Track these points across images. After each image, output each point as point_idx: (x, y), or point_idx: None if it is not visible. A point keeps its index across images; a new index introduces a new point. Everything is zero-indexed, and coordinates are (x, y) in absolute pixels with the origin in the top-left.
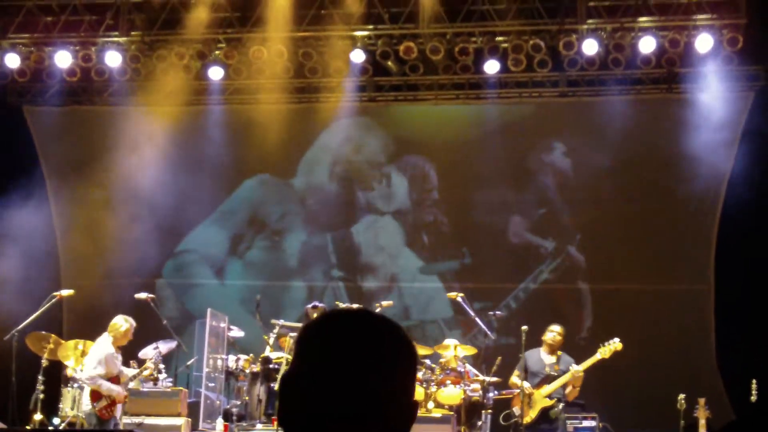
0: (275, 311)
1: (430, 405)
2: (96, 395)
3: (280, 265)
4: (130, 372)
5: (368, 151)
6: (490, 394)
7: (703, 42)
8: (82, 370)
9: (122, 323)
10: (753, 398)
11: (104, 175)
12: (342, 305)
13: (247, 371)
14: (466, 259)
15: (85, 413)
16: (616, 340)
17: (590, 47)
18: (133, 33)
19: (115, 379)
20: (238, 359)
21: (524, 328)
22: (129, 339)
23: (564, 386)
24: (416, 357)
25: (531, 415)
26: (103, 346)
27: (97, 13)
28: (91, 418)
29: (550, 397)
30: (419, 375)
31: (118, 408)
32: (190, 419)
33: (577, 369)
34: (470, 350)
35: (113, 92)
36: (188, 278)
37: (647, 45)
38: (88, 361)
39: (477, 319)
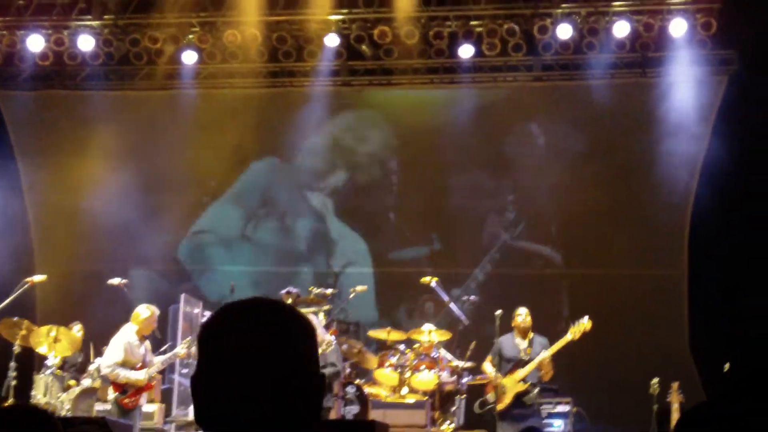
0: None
1: (405, 390)
2: (118, 386)
3: (289, 249)
4: (159, 359)
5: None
6: (464, 380)
7: (677, 26)
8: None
9: (143, 311)
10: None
11: (77, 160)
12: (315, 290)
13: None
14: (435, 244)
15: (109, 403)
16: (585, 319)
17: (564, 31)
18: (105, 17)
19: (139, 369)
20: None
21: (498, 313)
22: (153, 327)
23: (537, 369)
24: (310, 330)
25: (505, 401)
26: (124, 335)
27: None
28: (114, 409)
29: (524, 380)
30: (393, 360)
31: (143, 397)
32: (163, 405)
33: (545, 356)
34: (445, 335)
35: (86, 76)
36: (203, 262)
37: (621, 29)
38: (107, 350)
39: (451, 305)
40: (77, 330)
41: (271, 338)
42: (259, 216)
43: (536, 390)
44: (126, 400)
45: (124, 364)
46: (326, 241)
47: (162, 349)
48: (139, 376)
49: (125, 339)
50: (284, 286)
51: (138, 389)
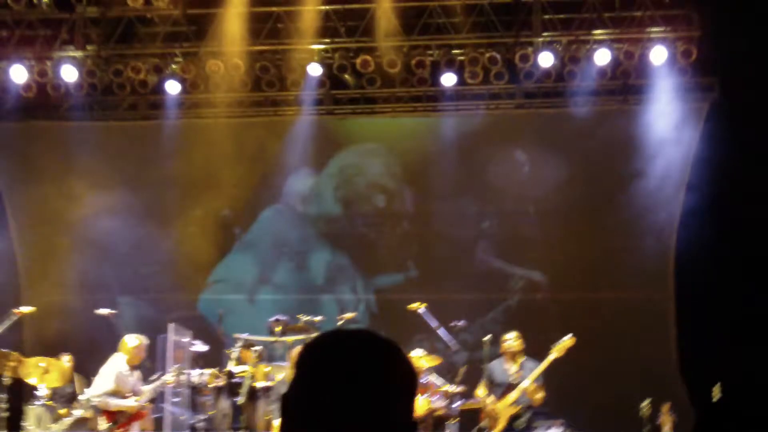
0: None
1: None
2: (110, 415)
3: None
4: (148, 387)
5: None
6: (455, 405)
7: (657, 54)
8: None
9: (132, 341)
10: (715, 391)
11: (63, 190)
12: (304, 318)
13: (212, 385)
14: (411, 271)
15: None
16: (568, 336)
17: (546, 60)
18: (88, 47)
19: (128, 397)
20: (202, 373)
21: (486, 338)
22: (142, 356)
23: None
24: (415, 379)
25: (499, 427)
26: (114, 364)
27: (52, 28)
28: None
29: (517, 402)
30: None
31: (135, 426)
32: None
33: (526, 384)
34: (434, 360)
35: (70, 107)
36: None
37: (602, 57)
38: (96, 380)
39: (439, 331)
40: (66, 361)
41: (374, 378)
42: (273, 260)
43: (528, 413)
44: (118, 430)
45: (115, 393)
46: (342, 268)
47: (151, 378)
48: (130, 403)
49: (116, 368)
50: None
51: (129, 418)
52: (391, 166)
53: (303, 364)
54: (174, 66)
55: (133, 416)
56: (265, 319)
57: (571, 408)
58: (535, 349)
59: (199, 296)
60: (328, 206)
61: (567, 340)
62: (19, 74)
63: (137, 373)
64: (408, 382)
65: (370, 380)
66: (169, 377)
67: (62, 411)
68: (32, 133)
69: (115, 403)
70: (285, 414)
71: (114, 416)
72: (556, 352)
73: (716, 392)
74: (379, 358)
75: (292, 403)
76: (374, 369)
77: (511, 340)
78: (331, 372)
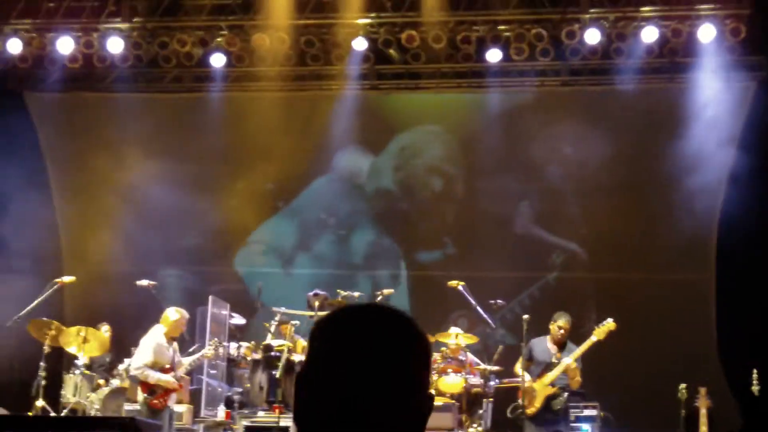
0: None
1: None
2: (146, 386)
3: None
4: (187, 360)
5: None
6: (491, 383)
7: (706, 32)
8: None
9: (172, 314)
10: (754, 388)
11: (106, 162)
12: (343, 293)
13: (249, 359)
14: (449, 248)
15: (138, 404)
16: (610, 320)
17: (592, 36)
18: (135, 19)
19: (168, 370)
20: (239, 346)
21: (525, 317)
22: (182, 329)
23: (566, 375)
24: (429, 350)
25: (536, 405)
26: (153, 336)
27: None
28: (143, 409)
29: (553, 384)
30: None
31: (172, 397)
32: (192, 406)
33: (568, 361)
34: (472, 339)
35: (115, 79)
36: (257, 267)
37: (649, 35)
38: (137, 352)
39: (478, 308)
40: (105, 330)
41: (390, 353)
42: (317, 230)
43: (565, 394)
44: (155, 401)
45: (154, 365)
46: (384, 248)
47: (190, 350)
48: (168, 378)
49: (155, 340)
50: (344, 288)
51: (166, 390)
52: (451, 150)
53: (316, 341)
54: (219, 39)
55: (170, 388)
56: (300, 291)
57: (608, 391)
58: (574, 328)
59: (236, 253)
60: (386, 184)
61: (609, 324)
62: (65, 45)
63: (175, 345)
64: (422, 353)
65: (384, 353)
66: (207, 351)
67: (100, 380)
68: (77, 104)
69: (154, 376)
70: (300, 391)
71: (151, 387)
72: (597, 335)
73: (755, 381)
74: (392, 330)
75: (306, 380)
76: (388, 342)
77: (563, 327)
78: (344, 347)
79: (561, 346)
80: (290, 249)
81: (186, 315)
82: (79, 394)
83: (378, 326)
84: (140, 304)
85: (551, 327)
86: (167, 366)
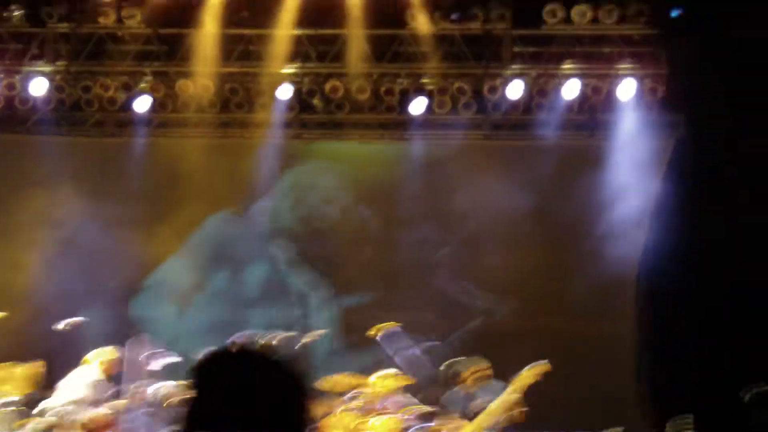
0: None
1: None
2: (82, 424)
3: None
4: (119, 403)
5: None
6: (426, 425)
7: (625, 90)
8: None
9: (108, 354)
10: None
11: (27, 205)
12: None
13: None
14: (379, 293)
15: None
16: (543, 363)
17: (514, 91)
18: (58, 63)
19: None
20: (162, 386)
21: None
22: (117, 370)
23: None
24: (303, 385)
25: None
26: (87, 373)
27: (22, 42)
28: None
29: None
30: (358, 403)
31: None
32: None
33: (512, 394)
34: (406, 380)
35: (37, 121)
36: (152, 311)
37: (570, 91)
38: (67, 387)
39: (410, 350)
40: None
41: (263, 390)
42: (211, 269)
43: None
44: None
45: (87, 404)
46: (284, 289)
47: (109, 393)
48: (104, 411)
49: (90, 377)
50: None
51: (102, 426)
52: (343, 181)
53: (194, 383)
54: (143, 84)
55: (106, 425)
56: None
57: None
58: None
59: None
60: (285, 223)
61: (541, 366)
62: None
63: (108, 384)
64: (295, 390)
65: (261, 394)
66: (132, 394)
67: (24, 420)
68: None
69: (90, 412)
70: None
71: (86, 425)
72: (528, 377)
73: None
74: (265, 372)
75: (188, 421)
76: (262, 382)
77: (482, 372)
78: (222, 388)
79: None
80: (186, 290)
81: (119, 354)
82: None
83: (251, 367)
84: (58, 346)
85: (464, 376)
86: (100, 404)
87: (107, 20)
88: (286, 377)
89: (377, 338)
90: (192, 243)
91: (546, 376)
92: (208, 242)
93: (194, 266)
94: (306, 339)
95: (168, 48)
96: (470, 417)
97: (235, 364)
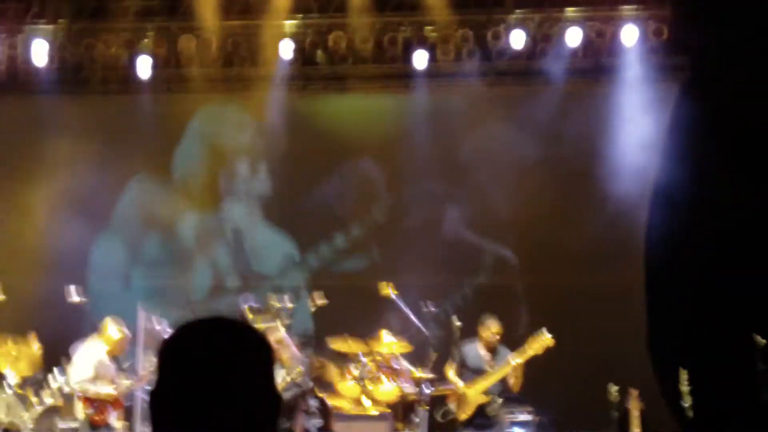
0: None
1: (367, 403)
2: (87, 401)
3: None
4: (126, 383)
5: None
6: (426, 390)
7: (629, 33)
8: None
9: (115, 333)
10: (684, 388)
11: (32, 165)
12: (277, 304)
13: None
14: (377, 256)
15: (78, 421)
16: (545, 332)
17: (518, 38)
18: (59, 21)
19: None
20: None
21: (457, 323)
22: (125, 349)
23: (503, 380)
24: (271, 354)
25: (467, 412)
26: (93, 352)
27: (24, 1)
28: (84, 426)
29: (487, 392)
30: (354, 372)
31: (113, 414)
32: (127, 423)
33: (515, 362)
34: (404, 346)
35: (40, 81)
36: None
37: (574, 36)
38: (73, 365)
39: (411, 315)
40: (36, 348)
41: (231, 359)
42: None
43: (499, 401)
44: (96, 417)
45: (94, 381)
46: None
47: (123, 367)
48: (109, 389)
49: (96, 357)
50: None
51: (107, 404)
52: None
53: (164, 358)
54: (146, 41)
55: (112, 403)
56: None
57: (541, 395)
58: (505, 332)
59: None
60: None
61: (546, 339)
62: None
63: (115, 363)
64: (264, 359)
65: (230, 363)
66: (144, 372)
67: (34, 399)
68: (1, 107)
69: (95, 390)
70: (153, 412)
71: (93, 403)
72: (535, 349)
73: (685, 382)
74: (234, 342)
75: (157, 400)
76: (232, 353)
77: (494, 332)
78: (191, 361)
79: (493, 351)
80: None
81: (129, 334)
82: (12, 413)
83: (218, 336)
84: (71, 318)
85: (483, 332)
86: (107, 382)
87: None
88: (257, 349)
89: (389, 296)
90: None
91: (557, 331)
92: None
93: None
94: (312, 307)
95: (169, 4)
96: (471, 378)
97: (204, 339)
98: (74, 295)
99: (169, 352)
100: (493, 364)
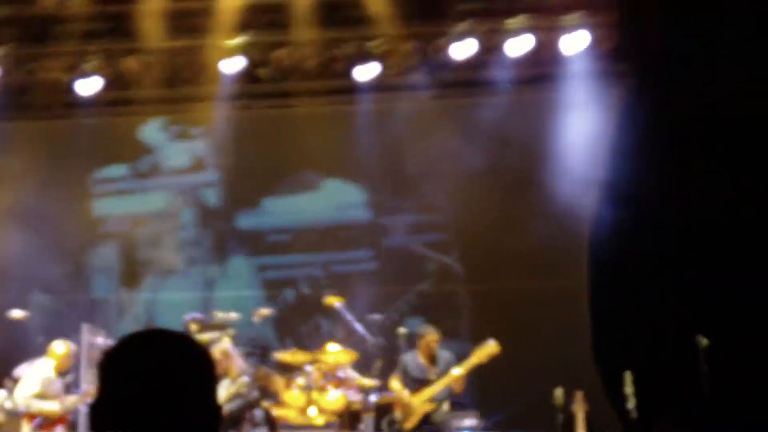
0: None
1: (313, 412)
2: (32, 417)
3: None
4: (72, 399)
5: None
6: (371, 398)
7: (574, 41)
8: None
9: (60, 348)
10: (628, 390)
11: None
12: (220, 315)
13: None
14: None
15: None
16: (492, 342)
17: (463, 50)
18: (2, 46)
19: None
20: None
21: (402, 331)
22: (70, 363)
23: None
24: (212, 366)
25: (413, 421)
26: (40, 369)
27: None
28: None
29: (432, 399)
30: (300, 381)
31: (58, 430)
32: None
33: (458, 373)
34: (350, 355)
35: None
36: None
37: (519, 45)
38: (21, 383)
39: (355, 324)
40: None
41: (171, 371)
42: None
43: (444, 408)
44: None
45: (40, 397)
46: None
47: (67, 381)
48: (54, 406)
49: (43, 373)
50: None
51: (53, 422)
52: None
53: (103, 372)
54: (89, 64)
55: (57, 420)
56: None
57: (488, 398)
58: (448, 340)
59: None
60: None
61: (491, 346)
62: None
63: (62, 380)
64: (204, 370)
65: (170, 375)
66: (89, 387)
67: None
68: None
69: (38, 405)
70: (93, 425)
71: (38, 420)
72: (479, 357)
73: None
74: (173, 351)
75: (98, 413)
76: (173, 364)
77: (430, 335)
78: (132, 373)
79: (433, 359)
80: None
81: (73, 347)
82: None
83: (159, 348)
84: (11, 335)
85: (420, 342)
86: (53, 399)
87: (50, 1)
88: (198, 362)
89: (333, 305)
90: None
91: (501, 336)
92: None
93: None
94: (254, 318)
95: (113, 26)
96: (415, 387)
97: (144, 351)
98: (16, 311)
99: (109, 365)
100: (436, 371)
